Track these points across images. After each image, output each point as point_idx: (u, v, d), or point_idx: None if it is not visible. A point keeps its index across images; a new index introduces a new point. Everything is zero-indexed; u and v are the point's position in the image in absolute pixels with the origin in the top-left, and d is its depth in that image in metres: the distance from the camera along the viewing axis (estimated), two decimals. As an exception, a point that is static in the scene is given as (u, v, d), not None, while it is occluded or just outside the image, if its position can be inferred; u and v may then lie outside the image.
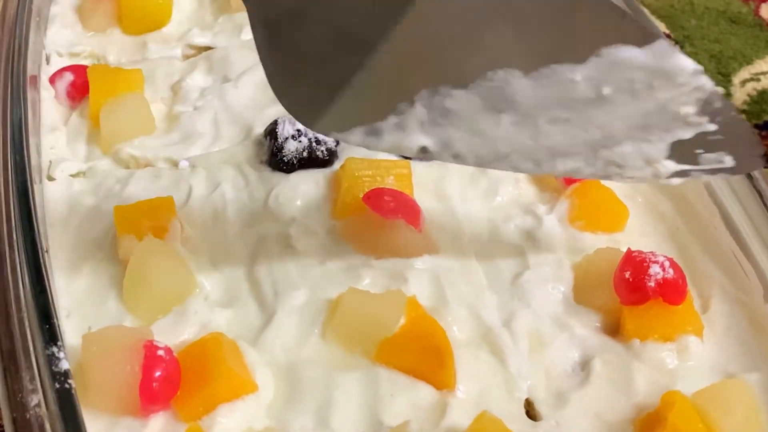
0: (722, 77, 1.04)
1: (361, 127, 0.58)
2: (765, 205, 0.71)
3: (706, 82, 0.58)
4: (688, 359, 0.66)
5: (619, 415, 0.63)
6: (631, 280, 0.66)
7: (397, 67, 0.57)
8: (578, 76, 0.57)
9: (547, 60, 0.57)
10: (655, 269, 0.66)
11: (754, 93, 1.02)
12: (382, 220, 0.69)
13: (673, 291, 0.67)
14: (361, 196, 0.71)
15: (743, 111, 1.00)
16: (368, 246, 0.70)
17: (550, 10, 0.56)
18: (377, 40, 0.56)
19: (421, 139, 0.58)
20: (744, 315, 0.69)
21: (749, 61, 1.06)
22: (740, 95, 1.02)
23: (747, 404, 0.61)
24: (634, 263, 0.67)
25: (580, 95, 0.57)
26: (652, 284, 0.66)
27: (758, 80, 1.04)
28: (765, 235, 0.70)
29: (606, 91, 0.58)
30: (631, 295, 0.67)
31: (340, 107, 0.57)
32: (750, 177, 0.72)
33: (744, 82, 1.03)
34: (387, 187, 0.73)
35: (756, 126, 0.99)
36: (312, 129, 0.58)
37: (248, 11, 0.55)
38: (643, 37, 0.57)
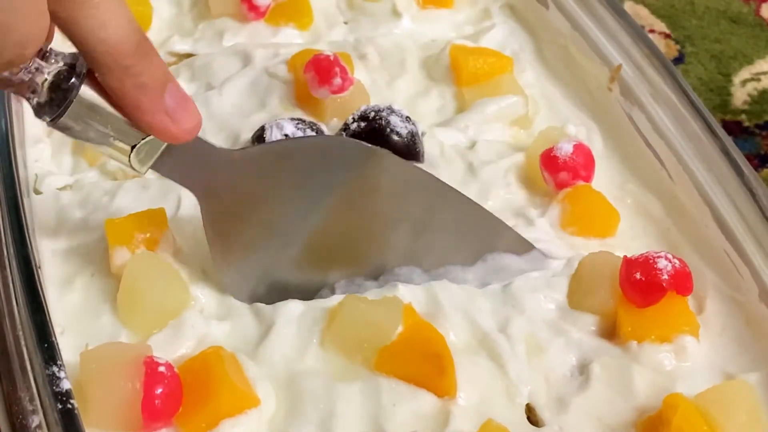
0: (723, 77, 1.05)
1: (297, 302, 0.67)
2: (757, 203, 0.71)
3: None
4: (685, 360, 0.66)
5: (621, 419, 0.63)
6: (644, 279, 0.66)
7: (318, 259, 0.68)
8: (469, 276, 0.70)
9: (442, 261, 0.70)
10: (663, 263, 0.66)
11: (755, 93, 1.03)
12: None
13: (684, 280, 0.67)
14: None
15: (744, 111, 1.01)
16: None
17: (444, 218, 0.70)
18: (300, 235, 0.67)
19: None
20: (740, 315, 0.69)
21: (750, 61, 1.07)
22: (741, 95, 1.02)
23: (750, 405, 0.62)
24: (640, 263, 0.67)
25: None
26: (666, 277, 0.66)
27: (759, 80, 1.04)
28: (758, 234, 0.70)
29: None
30: (648, 294, 0.66)
31: (271, 291, 0.67)
32: (741, 175, 0.72)
33: (744, 82, 1.04)
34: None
35: (756, 126, 1.00)
36: (245, 303, 0.68)
37: (200, 208, 0.65)
38: (522, 245, 0.71)
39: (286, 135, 0.76)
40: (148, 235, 0.68)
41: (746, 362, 0.66)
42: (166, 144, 0.59)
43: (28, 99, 0.55)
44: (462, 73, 0.87)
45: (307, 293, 0.68)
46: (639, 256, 0.68)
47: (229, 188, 0.64)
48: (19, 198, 0.66)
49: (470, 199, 0.71)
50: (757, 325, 0.68)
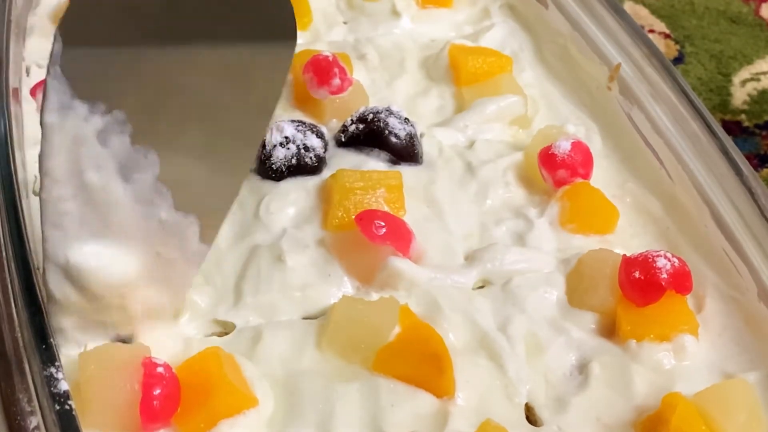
0: (722, 77, 1.05)
1: (66, 91, 0.58)
2: (756, 202, 0.71)
3: None
4: (684, 359, 0.66)
5: (620, 418, 0.63)
6: (643, 278, 0.66)
7: (141, 71, 0.59)
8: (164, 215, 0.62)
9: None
10: (662, 262, 0.67)
11: (755, 93, 1.03)
12: (370, 243, 0.69)
13: (684, 279, 0.67)
14: (353, 209, 0.71)
15: (743, 111, 1.01)
16: (356, 269, 0.70)
17: None
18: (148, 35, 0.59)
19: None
20: (738, 314, 0.69)
21: (749, 61, 1.07)
22: (740, 95, 1.02)
23: (749, 404, 0.62)
24: (639, 262, 0.67)
25: None
26: (665, 276, 0.66)
27: (758, 80, 1.04)
28: (757, 233, 0.70)
29: None
30: (647, 293, 0.66)
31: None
32: (740, 174, 0.72)
33: (744, 82, 1.04)
34: (379, 198, 0.73)
35: (756, 126, 1.00)
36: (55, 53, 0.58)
37: None
38: None
39: (286, 137, 0.76)
40: (147, 236, 0.68)
41: (745, 361, 0.66)
42: None
43: None
44: (461, 73, 0.87)
45: (103, 88, 0.59)
46: (638, 255, 0.68)
47: None
48: (18, 200, 0.66)
49: None
50: (756, 324, 0.68)
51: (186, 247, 0.63)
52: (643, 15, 1.13)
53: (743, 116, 1.01)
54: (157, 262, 0.62)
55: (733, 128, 0.99)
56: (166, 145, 0.60)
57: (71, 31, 0.57)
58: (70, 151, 0.58)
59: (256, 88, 0.62)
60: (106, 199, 0.60)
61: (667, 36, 1.10)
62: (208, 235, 0.63)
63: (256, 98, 0.62)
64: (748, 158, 0.75)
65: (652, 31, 1.11)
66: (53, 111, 0.58)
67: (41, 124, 0.58)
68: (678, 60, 1.06)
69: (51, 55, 0.57)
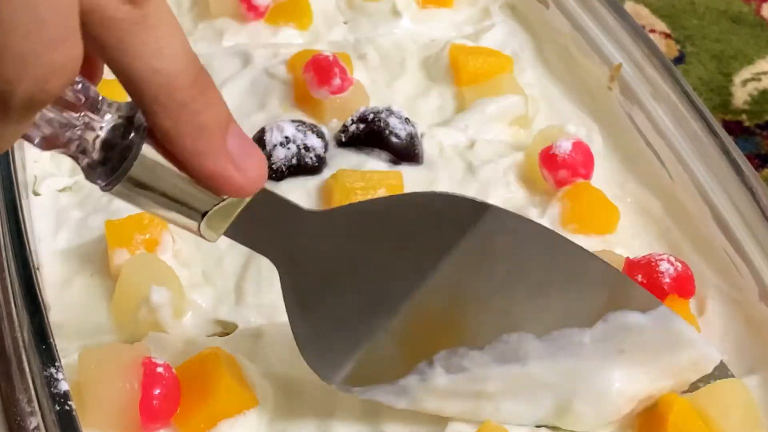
0: (723, 77, 1.04)
1: (387, 386, 0.60)
2: (757, 202, 0.70)
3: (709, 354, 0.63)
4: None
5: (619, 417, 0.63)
6: (646, 282, 0.66)
7: (418, 329, 0.59)
8: (587, 338, 0.60)
9: (557, 324, 0.60)
10: (665, 266, 0.67)
11: (756, 93, 1.03)
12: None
13: (686, 283, 0.67)
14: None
15: (744, 111, 1.01)
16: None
17: (561, 276, 0.60)
18: (400, 303, 0.59)
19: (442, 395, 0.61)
20: (740, 315, 0.69)
21: (750, 61, 1.06)
22: (741, 95, 1.02)
23: (746, 404, 0.61)
24: (642, 266, 0.67)
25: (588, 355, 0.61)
26: (668, 280, 0.66)
27: (759, 80, 1.04)
28: (758, 233, 0.70)
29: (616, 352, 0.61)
30: None
31: (362, 366, 0.59)
32: (741, 174, 0.72)
33: (745, 82, 1.04)
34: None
35: (757, 126, 1.00)
36: (333, 384, 0.59)
37: (280, 276, 0.57)
38: (646, 302, 0.61)
39: (286, 137, 0.76)
40: (147, 236, 0.68)
41: (746, 363, 0.66)
42: (242, 206, 0.51)
43: (77, 160, 0.46)
44: (462, 73, 0.86)
45: (404, 367, 0.60)
46: (641, 259, 0.68)
47: (315, 254, 0.57)
48: (18, 200, 0.66)
49: (588, 252, 0.61)
50: (757, 325, 0.68)
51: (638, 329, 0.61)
52: (643, 15, 1.13)
53: (744, 116, 1.01)
54: None
55: (733, 128, 0.99)
56: (504, 326, 0.60)
57: (332, 371, 0.59)
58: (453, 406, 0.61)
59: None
60: (529, 381, 0.60)
61: (667, 36, 1.10)
62: (644, 304, 0.61)
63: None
64: (749, 158, 0.75)
65: (652, 30, 1.10)
66: (397, 402, 0.60)
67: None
68: (679, 60, 1.06)
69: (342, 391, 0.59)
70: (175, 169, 0.46)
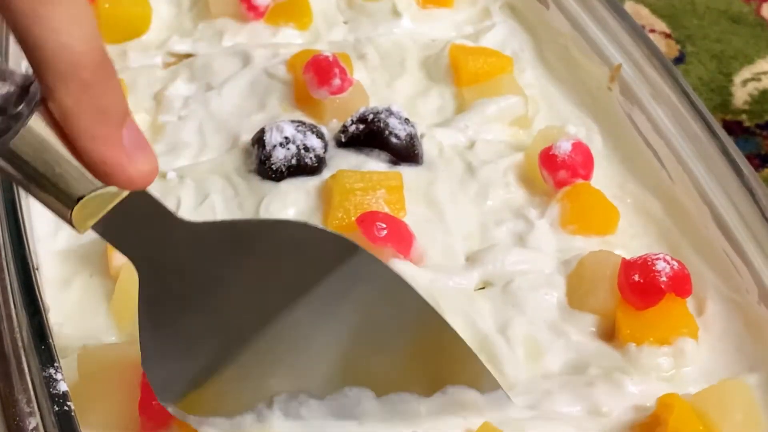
0: (723, 77, 1.04)
1: (223, 420, 0.58)
2: (757, 203, 0.70)
3: None
4: (684, 364, 0.66)
5: (618, 420, 0.62)
6: (642, 281, 0.66)
7: (264, 366, 0.58)
8: (423, 408, 0.60)
9: (397, 386, 0.60)
10: (661, 265, 0.66)
11: (756, 93, 1.03)
12: (371, 244, 0.69)
13: (683, 282, 0.67)
14: (353, 211, 0.71)
15: (744, 111, 1.01)
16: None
17: (412, 338, 0.60)
18: (252, 335, 0.57)
19: None
20: (739, 316, 0.69)
21: (750, 61, 1.06)
22: (741, 95, 1.02)
23: (746, 405, 0.61)
24: (638, 265, 0.67)
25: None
26: (665, 279, 0.66)
27: (759, 80, 1.04)
28: (758, 234, 0.70)
29: None
30: (646, 296, 0.66)
31: (203, 393, 0.57)
32: (741, 175, 0.72)
33: (745, 82, 1.04)
34: (379, 199, 0.73)
35: (757, 126, 1.00)
36: (169, 408, 0.57)
37: (139, 282, 0.55)
38: (489, 383, 0.61)
39: (286, 137, 0.76)
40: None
41: (745, 364, 0.66)
42: (118, 200, 0.50)
43: None
44: (462, 73, 0.86)
45: (242, 403, 0.58)
46: (637, 258, 0.68)
47: (180, 266, 0.55)
48: (17, 200, 0.66)
49: (445, 322, 0.60)
50: (756, 326, 0.68)
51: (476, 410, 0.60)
52: (644, 15, 1.13)
53: (744, 116, 1.01)
54: None
55: (734, 128, 0.99)
56: (347, 377, 0.59)
57: (170, 391, 0.57)
58: None
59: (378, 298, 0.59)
60: None
61: (668, 36, 1.10)
62: (484, 384, 0.61)
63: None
64: (749, 158, 0.75)
65: (652, 30, 1.10)
66: None
67: None
68: (679, 60, 1.06)
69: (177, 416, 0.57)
70: (61, 148, 0.46)
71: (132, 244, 0.53)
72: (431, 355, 0.60)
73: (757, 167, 0.94)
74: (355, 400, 0.59)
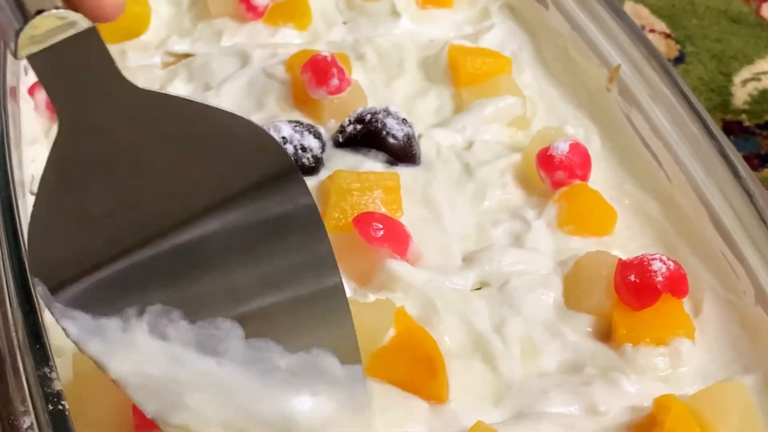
0: (723, 77, 1.04)
1: (87, 316, 0.52)
2: (754, 205, 0.70)
3: None
4: (680, 365, 0.66)
5: (614, 420, 0.62)
6: (638, 281, 0.66)
7: (152, 268, 0.53)
8: (282, 363, 0.54)
9: (266, 332, 0.54)
10: (657, 265, 0.66)
11: (755, 93, 1.03)
12: (368, 245, 0.69)
13: (679, 282, 0.67)
14: (350, 211, 0.71)
15: (744, 111, 1.01)
16: (353, 270, 0.70)
17: (305, 288, 0.55)
18: (152, 231, 0.53)
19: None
20: (735, 317, 0.69)
21: (750, 61, 1.07)
22: (741, 95, 1.02)
23: (743, 406, 0.61)
24: (634, 265, 0.67)
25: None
26: (661, 279, 0.66)
27: (759, 80, 1.04)
28: (755, 236, 0.69)
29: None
30: (642, 297, 0.66)
31: (83, 282, 0.52)
32: (738, 177, 0.72)
33: (745, 82, 1.04)
34: (376, 199, 0.73)
35: (757, 126, 1.00)
36: (37, 288, 0.52)
37: (57, 134, 0.50)
38: (351, 355, 0.55)
39: (283, 137, 0.76)
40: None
41: (741, 365, 0.66)
42: (73, 32, 0.47)
43: None
44: (460, 74, 0.86)
45: (114, 304, 0.53)
46: (634, 259, 0.68)
47: (106, 129, 0.51)
48: (14, 199, 0.66)
49: (339, 280, 0.56)
50: (752, 327, 0.68)
51: (331, 378, 0.55)
52: (643, 14, 1.13)
53: (744, 116, 1.01)
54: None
55: (733, 128, 0.99)
56: (229, 306, 0.54)
57: (44, 267, 0.52)
58: (137, 364, 0.53)
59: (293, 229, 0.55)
60: (210, 383, 0.53)
61: (667, 36, 1.10)
62: (349, 355, 0.55)
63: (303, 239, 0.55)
64: (748, 158, 0.75)
65: (652, 30, 1.10)
66: (88, 340, 0.52)
67: (87, 356, 0.52)
68: (679, 60, 1.06)
69: (42, 300, 0.52)
70: None
71: (64, 90, 0.50)
72: (313, 308, 0.56)
73: (757, 167, 0.94)
74: (224, 335, 0.53)
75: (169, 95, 0.62)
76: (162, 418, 0.52)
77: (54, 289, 0.52)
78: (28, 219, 0.57)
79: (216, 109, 0.57)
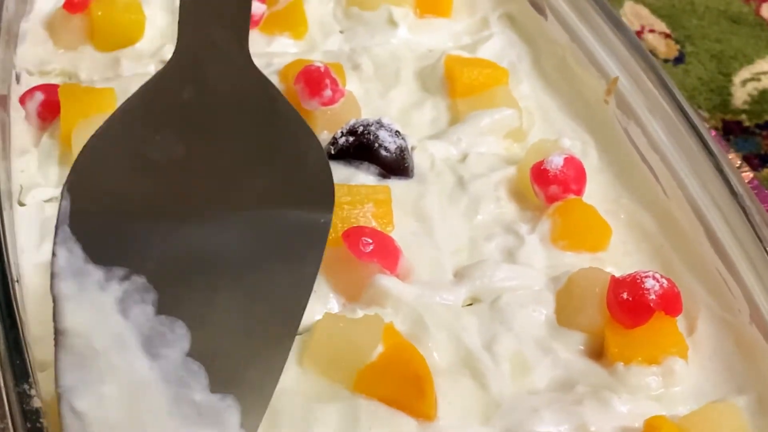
0: (723, 77, 1.04)
1: (80, 256, 0.54)
2: (750, 222, 0.69)
3: None
4: (673, 384, 0.65)
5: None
6: (631, 299, 0.65)
7: (156, 239, 0.54)
8: (198, 398, 0.54)
9: (208, 362, 0.54)
10: (650, 282, 0.66)
11: (755, 93, 1.02)
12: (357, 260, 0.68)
13: (673, 300, 0.66)
14: (340, 225, 0.70)
15: (744, 111, 1.00)
16: (342, 285, 0.69)
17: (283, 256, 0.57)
18: (184, 208, 0.55)
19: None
20: (730, 336, 0.68)
21: (750, 61, 1.06)
22: (741, 95, 1.02)
23: (736, 428, 0.61)
24: (627, 283, 0.66)
25: None
26: (653, 297, 0.65)
27: (759, 80, 1.04)
28: (751, 253, 0.69)
29: None
30: (635, 315, 0.65)
31: (98, 220, 0.54)
32: (735, 194, 0.71)
33: (745, 82, 1.03)
34: (366, 213, 0.72)
35: (757, 126, 0.99)
36: (61, 228, 0.53)
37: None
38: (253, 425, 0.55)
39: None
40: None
41: (735, 385, 0.65)
42: None
43: None
44: (457, 85, 0.86)
45: (108, 257, 0.54)
46: (626, 276, 0.67)
47: (210, 88, 0.54)
48: (-1, 210, 0.66)
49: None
50: (746, 346, 0.67)
51: None
52: (643, 15, 1.13)
53: (744, 116, 1.00)
54: None
55: (733, 128, 0.98)
56: (195, 315, 0.54)
57: (81, 187, 0.53)
58: (88, 327, 0.53)
59: (292, 256, 0.56)
60: (131, 380, 0.53)
61: (667, 36, 1.10)
62: (250, 422, 0.55)
63: (293, 267, 0.57)
64: (748, 158, 0.74)
65: (652, 30, 1.10)
66: (65, 278, 0.53)
67: (52, 294, 0.53)
68: (678, 60, 1.06)
69: (59, 214, 0.52)
70: None
71: (194, 25, 0.53)
72: (257, 358, 0.56)
73: (757, 167, 0.93)
74: (172, 341, 0.54)
75: (274, 88, 0.62)
76: (68, 396, 0.53)
77: (74, 212, 0.52)
78: (13, 231, 0.57)
79: (304, 128, 0.61)
